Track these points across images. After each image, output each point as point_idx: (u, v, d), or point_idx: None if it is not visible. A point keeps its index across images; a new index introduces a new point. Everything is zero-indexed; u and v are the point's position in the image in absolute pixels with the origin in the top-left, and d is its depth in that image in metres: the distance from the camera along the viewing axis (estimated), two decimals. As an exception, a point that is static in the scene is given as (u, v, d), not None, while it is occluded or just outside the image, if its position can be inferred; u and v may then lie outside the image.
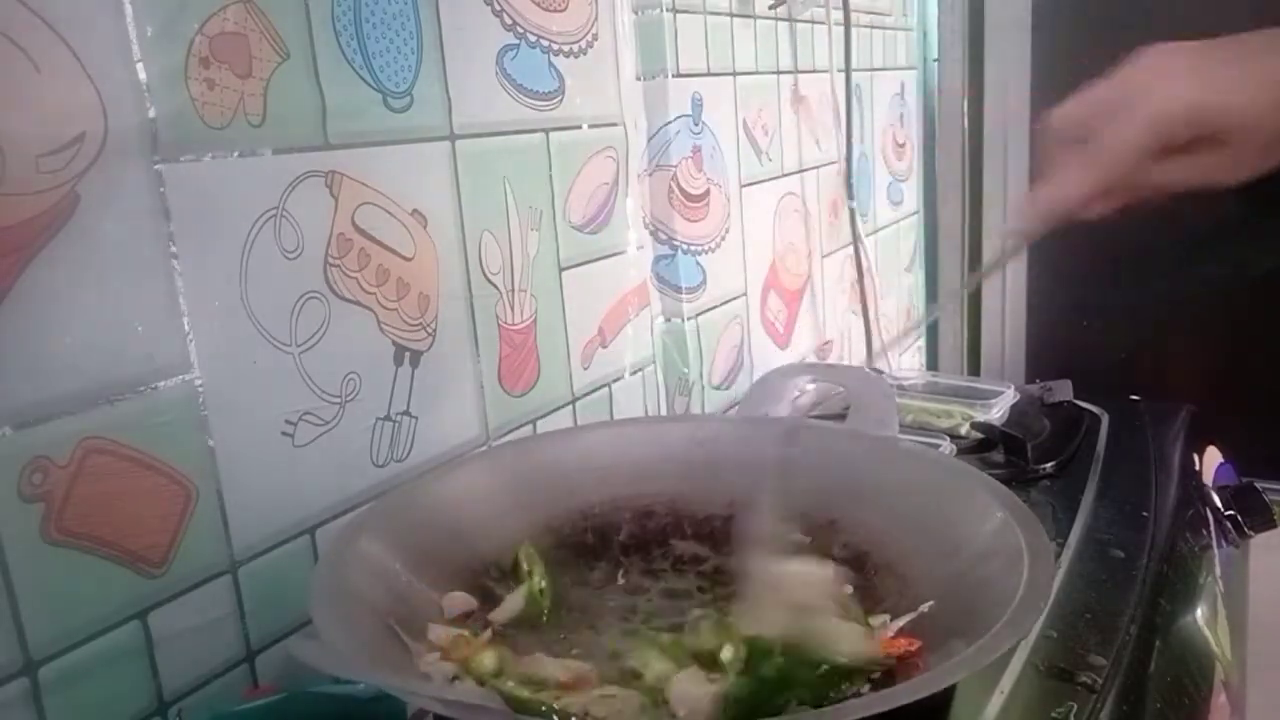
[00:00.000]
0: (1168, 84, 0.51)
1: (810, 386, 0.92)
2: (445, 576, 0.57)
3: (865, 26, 1.34)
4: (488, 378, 0.75)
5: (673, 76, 0.92)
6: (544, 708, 0.46)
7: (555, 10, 0.79)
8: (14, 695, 0.47)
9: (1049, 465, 0.88)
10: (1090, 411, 1.04)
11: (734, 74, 1.02)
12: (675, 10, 0.91)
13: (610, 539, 0.66)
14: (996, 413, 0.98)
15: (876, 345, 1.33)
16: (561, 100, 0.81)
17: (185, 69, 0.53)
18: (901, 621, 0.53)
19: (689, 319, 0.97)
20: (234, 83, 0.55)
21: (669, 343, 0.97)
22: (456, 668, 0.50)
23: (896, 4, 1.46)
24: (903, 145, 1.52)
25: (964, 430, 0.95)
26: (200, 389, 0.55)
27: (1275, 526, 0.96)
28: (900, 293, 1.54)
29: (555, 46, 0.80)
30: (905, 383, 1.15)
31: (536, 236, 0.79)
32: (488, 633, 0.54)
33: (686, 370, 0.98)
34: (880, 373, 1.23)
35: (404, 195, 0.66)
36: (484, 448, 0.75)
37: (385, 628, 0.50)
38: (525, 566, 0.60)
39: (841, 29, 1.20)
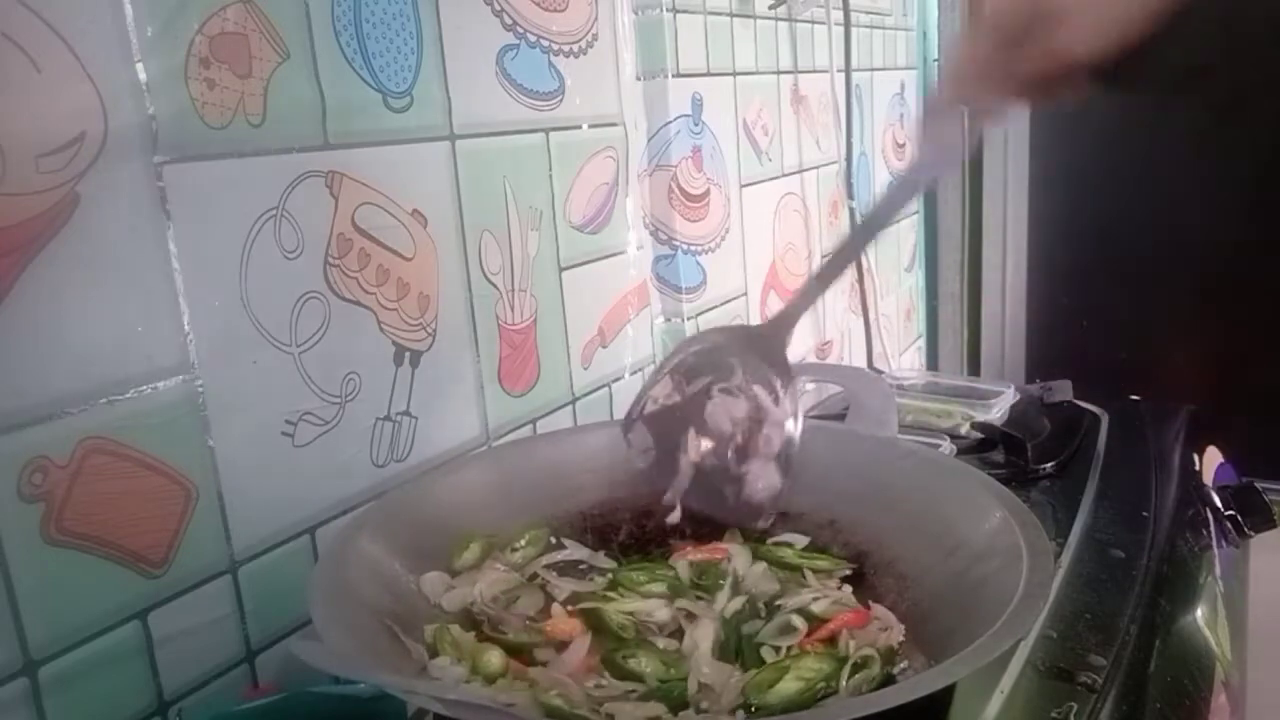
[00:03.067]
0: None
1: (810, 386, 0.92)
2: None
3: (865, 26, 1.34)
4: (488, 378, 0.75)
5: (673, 76, 0.92)
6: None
7: (555, 10, 0.79)
8: (14, 695, 0.47)
9: (1049, 465, 0.88)
10: (1090, 411, 1.04)
11: (734, 74, 1.02)
12: (675, 10, 0.91)
13: (610, 539, 0.66)
14: (996, 413, 0.98)
15: (878, 347, 1.34)
16: (561, 100, 0.81)
17: (185, 69, 0.53)
18: None
19: (689, 319, 0.97)
20: (234, 83, 0.55)
21: (669, 343, 0.97)
22: (466, 670, 0.50)
23: (896, 4, 1.46)
24: (903, 145, 1.52)
25: (964, 430, 0.95)
26: (200, 389, 0.55)
27: (1275, 526, 0.96)
28: (900, 293, 1.54)
29: (555, 46, 0.80)
30: (905, 383, 1.15)
31: (536, 236, 0.79)
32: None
33: (686, 370, 0.98)
34: (880, 373, 1.23)
35: (404, 195, 0.66)
36: (484, 448, 0.75)
37: (385, 628, 0.50)
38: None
39: (841, 29, 1.20)
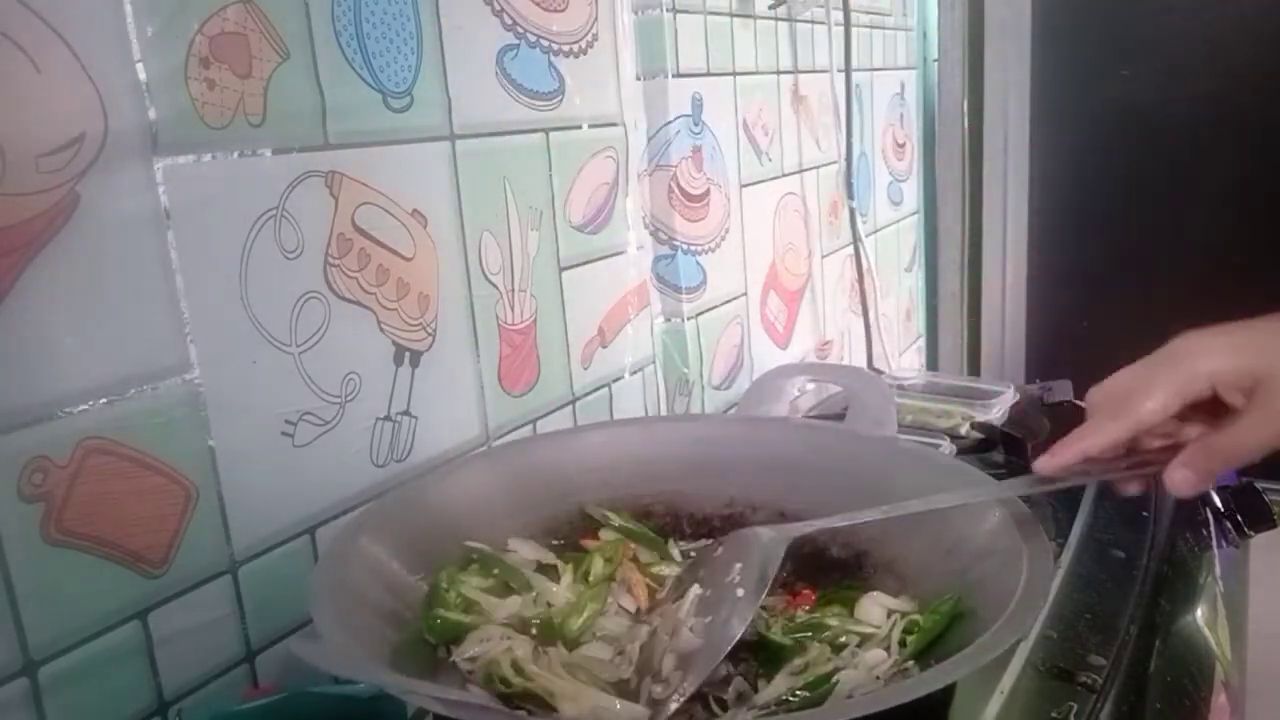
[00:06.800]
0: (1198, 354, 0.53)
1: (809, 386, 0.92)
2: (445, 576, 0.57)
3: (865, 26, 1.34)
4: (488, 378, 0.75)
5: (673, 76, 0.92)
6: None
7: (555, 10, 0.79)
8: (14, 695, 0.47)
9: (1049, 465, 0.88)
10: (1090, 411, 1.03)
11: (734, 74, 1.02)
12: (675, 10, 0.91)
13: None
14: (996, 413, 0.98)
15: (878, 347, 1.33)
16: (561, 100, 0.81)
17: (185, 69, 0.53)
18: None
19: (689, 319, 0.97)
20: (234, 83, 0.55)
21: (669, 343, 0.97)
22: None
23: (896, 4, 1.46)
24: (903, 145, 1.52)
25: (964, 430, 0.95)
26: (200, 389, 0.55)
27: (1275, 526, 0.96)
28: (900, 293, 1.54)
29: (555, 46, 0.80)
30: (905, 383, 1.15)
31: (536, 236, 0.79)
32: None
33: (686, 370, 0.98)
34: (879, 373, 1.23)
35: (404, 195, 0.67)
36: (484, 448, 0.75)
37: (385, 628, 0.50)
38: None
39: (841, 29, 1.20)
